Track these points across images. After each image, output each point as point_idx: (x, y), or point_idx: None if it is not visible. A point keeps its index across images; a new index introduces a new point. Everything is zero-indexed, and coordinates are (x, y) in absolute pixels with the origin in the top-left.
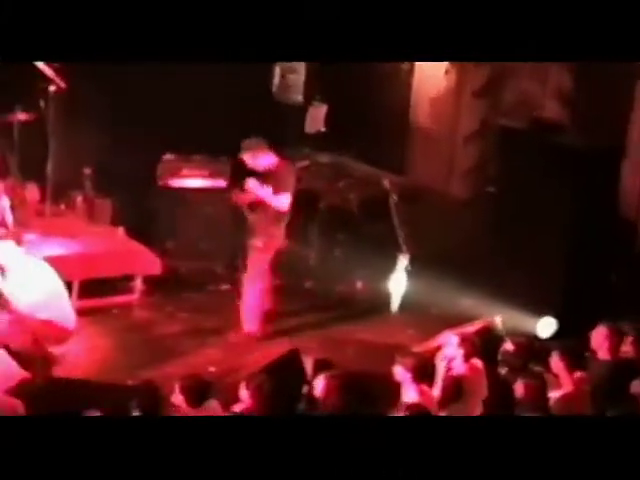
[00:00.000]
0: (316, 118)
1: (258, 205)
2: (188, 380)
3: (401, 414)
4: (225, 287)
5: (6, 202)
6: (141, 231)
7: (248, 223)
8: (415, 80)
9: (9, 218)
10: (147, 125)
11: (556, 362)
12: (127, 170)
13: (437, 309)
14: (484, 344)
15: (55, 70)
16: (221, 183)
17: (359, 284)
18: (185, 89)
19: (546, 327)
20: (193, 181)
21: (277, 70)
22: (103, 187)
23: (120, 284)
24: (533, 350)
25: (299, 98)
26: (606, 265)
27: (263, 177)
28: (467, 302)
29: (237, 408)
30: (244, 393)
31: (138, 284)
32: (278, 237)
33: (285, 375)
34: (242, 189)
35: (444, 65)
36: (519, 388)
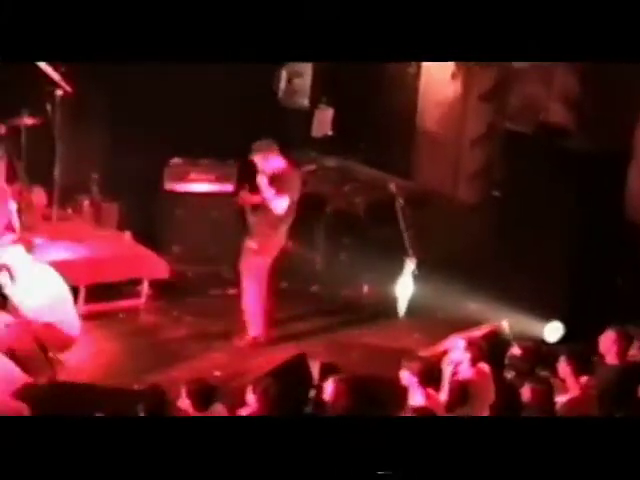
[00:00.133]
0: (322, 122)
1: (260, 207)
2: (194, 384)
3: None
4: (231, 291)
5: (13, 206)
6: (148, 235)
7: (248, 225)
8: (422, 84)
9: (16, 222)
10: (154, 129)
11: (563, 367)
12: (134, 174)
13: (444, 313)
14: (491, 348)
15: (62, 74)
16: (228, 187)
17: (365, 288)
18: (191, 93)
19: (553, 331)
20: (200, 185)
21: (283, 74)
22: (110, 191)
23: (126, 288)
24: (540, 354)
25: (305, 102)
26: (612, 269)
27: (269, 179)
28: (474, 306)
29: (243, 412)
30: (250, 397)
31: (145, 288)
32: (275, 240)
33: (291, 379)
34: (248, 190)
35: (451, 69)
36: (526, 392)
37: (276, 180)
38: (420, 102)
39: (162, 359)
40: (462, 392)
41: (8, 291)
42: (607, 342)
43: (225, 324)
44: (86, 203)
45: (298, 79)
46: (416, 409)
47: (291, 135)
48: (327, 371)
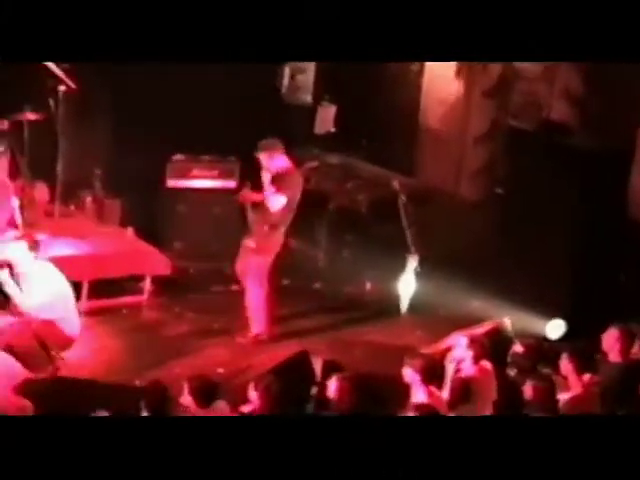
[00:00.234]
0: (325, 119)
1: (260, 205)
2: (196, 381)
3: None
4: (234, 288)
5: (16, 202)
6: (150, 232)
7: (247, 223)
8: (425, 81)
9: (19, 218)
10: (156, 126)
11: (565, 364)
12: (136, 171)
13: (446, 310)
14: (493, 346)
15: (65, 70)
16: (230, 183)
17: (368, 285)
18: (194, 90)
19: (555, 329)
20: (202, 182)
21: (286, 71)
22: (112, 187)
23: (129, 285)
24: (542, 352)
25: (308, 99)
26: (615, 266)
27: (271, 178)
28: (476, 303)
29: (245, 409)
30: (253, 394)
31: (147, 285)
32: (273, 240)
33: (294, 376)
34: (250, 188)
35: (454, 66)
36: (528, 390)
37: (278, 179)
38: (423, 99)
39: (164, 355)
40: (464, 389)
41: (8, 289)
42: (610, 340)
43: (227, 321)
44: (89, 199)
45: (301, 76)
46: (418, 406)
47: (294, 132)
48: (329, 368)
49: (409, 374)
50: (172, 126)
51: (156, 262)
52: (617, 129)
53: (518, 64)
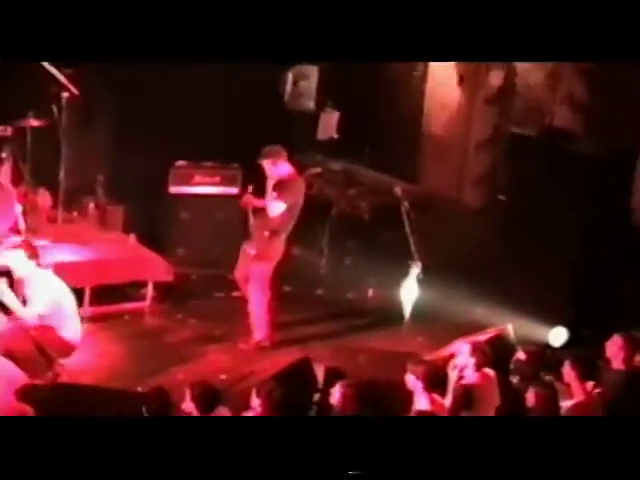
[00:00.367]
0: (328, 125)
1: (261, 211)
2: (199, 387)
3: None
4: (236, 294)
5: (18, 208)
6: (153, 238)
7: (249, 228)
8: (427, 87)
9: (21, 224)
10: (158, 132)
11: (568, 371)
12: (139, 177)
13: (448, 317)
14: (496, 353)
15: (68, 76)
16: (233, 190)
17: (370, 292)
18: (197, 97)
19: (558, 336)
20: (205, 188)
21: (289, 76)
22: (115, 194)
23: (131, 291)
24: (545, 359)
25: (311, 105)
26: (617, 273)
27: (274, 184)
28: (478, 310)
29: (248, 415)
30: (255, 400)
31: (149, 291)
32: (274, 246)
33: (296, 383)
34: (253, 193)
35: (456, 72)
36: (530, 397)
37: (280, 185)
38: (426, 105)
39: (166, 362)
40: (467, 396)
41: (6, 299)
42: (614, 348)
43: (229, 327)
44: (91, 205)
45: (304, 82)
46: (421, 413)
47: (296, 138)
48: (332, 375)
49: (411, 381)
50: (175, 132)
51: (158, 268)
52: (620, 135)
53: (521, 70)
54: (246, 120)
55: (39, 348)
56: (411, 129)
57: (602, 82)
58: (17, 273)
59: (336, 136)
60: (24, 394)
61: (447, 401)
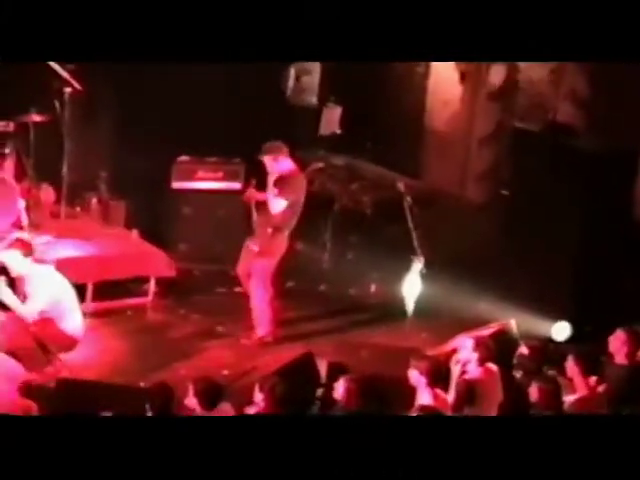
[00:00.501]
0: (330, 120)
1: (264, 207)
2: (201, 383)
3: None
4: (238, 289)
5: (22, 204)
6: (155, 233)
7: (252, 224)
8: (430, 83)
9: (24, 220)
10: (161, 127)
11: (571, 366)
12: (141, 172)
13: (451, 312)
14: (499, 348)
15: (70, 72)
16: (235, 185)
17: (373, 287)
18: (199, 92)
19: (560, 331)
20: (207, 183)
21: (292, 72)
22: (118, 189)
23: (134, 286)
24: (548, 354)
25: (314, 100)
26: (620, 268)
27: (275, 180)
28: (481, 305)
29: (250, 411)
30: (258, 396)
31: (152, 286)
32: (277, 243)
33: (299, 378)
34: (256, 188)
35: (459, 68)
36: (534, 392)
37: (281, 182)
38: (428, 101)
39: (169, 357)
40: (470, 392)
41: (6, 298)
42: (617, 343)
43: (232, 322)
44: (94, 201)
45: (306, 77)
46: (424, 408)
47: (299, 133)
48: (334, 370)
49: (414, 376)
50: (177, 128)
51: (161, 264)
52: (623, 131)
53: (523, 66)
54: (249, 115)
55: (40, 344)
56: (414, 124)
57: (605, 78)
58: (15, 272)
59: (338, 131)
60: (28, 390)
61: (450, 396)
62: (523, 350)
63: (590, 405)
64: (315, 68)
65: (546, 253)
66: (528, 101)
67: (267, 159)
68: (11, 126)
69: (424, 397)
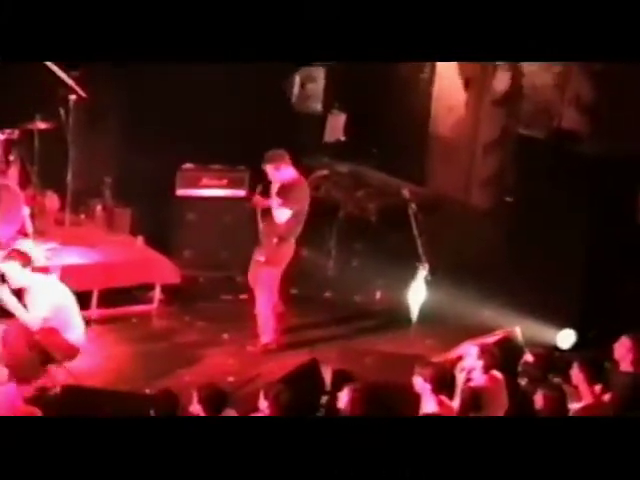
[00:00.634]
0: (335, 127)
1: (269, 214)
2: (206, 390)
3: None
4: (243, 297)
5: (26, 211)
6: (160, 240)
7: (258, 234)
8: (435, 89)
9: (29, 227)
10: (166, 134)
11: (576, 373)
12: (146, 179)
13: (456, 320)
14: (504, 355)
15: (75, 79)
16: (240, 192)
17: (378, 294)
18: (204, 99)
19: (566, 338)
20: (212, 190)
21: (297, 79)
22: (122, 196)
23: (139, 293)
24: (553, 361)
25: (318, 107)
26: (625, 275)
27: (277, 189)
28: (486, 313)
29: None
30: (262, 403)
31: (157, 293)
32: (282, 251)
33: (304, 385)
34: (262, 193)
35: (464, 74)
36: (539, 399)
37: (283, 191)
38: (433, 107)
39: (174, 364)
40: (475, 399)
41: (9, 304)
42: (622, 349)
43: (237, 329)
44: (99, 208)
45: (311, 84)
46: (428, 416)
47: (303, 140)
48: (339, 377)
49: (419, 383)
50: (182, 135)
51: (166, 271)
52: (627, 137)
53: (528, 72)
54: (253, 123)
55: (41, 353)
56: (418, 131)
57: (610, 83)
58: (14, 283)
59: (343, 138)
60: (32, 397)
61: (455, 403)
62: (528, 358)
63: (595, 413)
64: (320, 75)
65: (551, 260)
66: (533, 107)
67: (269, 168)
68: (16, 133)
69: (429, 404)
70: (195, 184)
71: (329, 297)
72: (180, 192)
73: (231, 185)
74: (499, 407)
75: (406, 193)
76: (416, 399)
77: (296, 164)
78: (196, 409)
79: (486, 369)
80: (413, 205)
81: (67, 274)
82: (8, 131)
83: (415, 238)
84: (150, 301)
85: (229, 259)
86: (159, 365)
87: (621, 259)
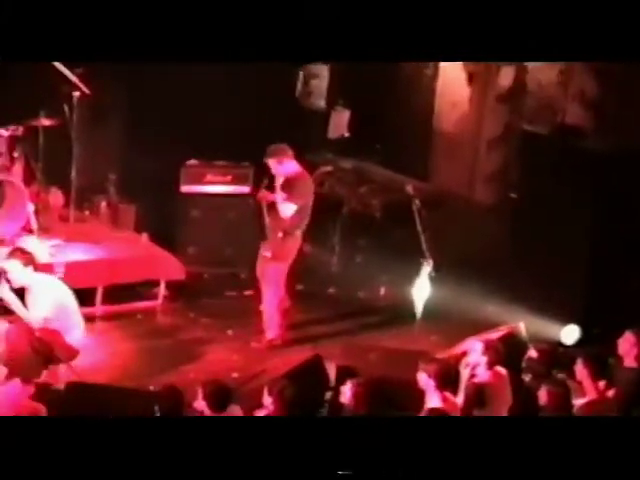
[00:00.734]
0: (339, 123)
1: (274, 209)
2: (211, 386)
3: None
4: (248, 293)
5: (31, 207)
6: (164, 237)
7: (264, 229)
8: (438, 85)
9: (34, 223)
10: (170, 131)
11: (580, 369)
12: (151, 176)
13: (460, 315)
14: (508, 351)
15: (79, 75)
16: (244, 189)
17: (382, 290)
18: (208, 95)
19: (570, 334)
20: (216, 187)
21: (300, 76)
22: (127, 193)
23: (143, 290)
24: (557, 357)
25: (322, 103)
26: (629, 271)
27: (281, 184)
28: (490, 308)
29: (259, 414)
30: (267, 399)
31: (161, 290)
32: (289, 246)
33: (308, 381)
34: (267, 188)
35: (467, 70)
36: (543, 395)
37: (287, 185)
38: (437, 103)
39: (178, 360)
40: (479, 395)
41: (10, 302)
42: (626, 345)
43: (241, 325)
44: (103, 204)
45: (315, 80)
46: (433, 412)
47: (307, 136)
48: (343, 373)
49: (423, 379)
50: (186, 131)
51: (170, 267)
52: (631, 133)
53: (532, 68)
54: (257, 119)
55: (43, 352)
56: (422, 127)
57: (613, 79)
58: (16, 282)
59: (347, 134)
60: (37, 393)
61: (459, 399)
62: (532, 353)
63: (600, 408)
64: (323, 71)
65: (555, 255)
66: (537, 103)
67: (272, 162)
68: (20, 130)
69: (433, 400)
70: (199, 180)
71: (333, 293)
72: (184, 188)
73: (235, 181)
74: (503, 403)
75: (410, 189)
76: (420, 395)
77: (300, 160)
78: (201, 405)
79: (490, 365)
80: (417, 201)
81: (72, 271)
82: (12, 128)
83: (419, 234)
84: (155, 297)
85: (233, 255)
86: (164, 361)
87: (625, 255)
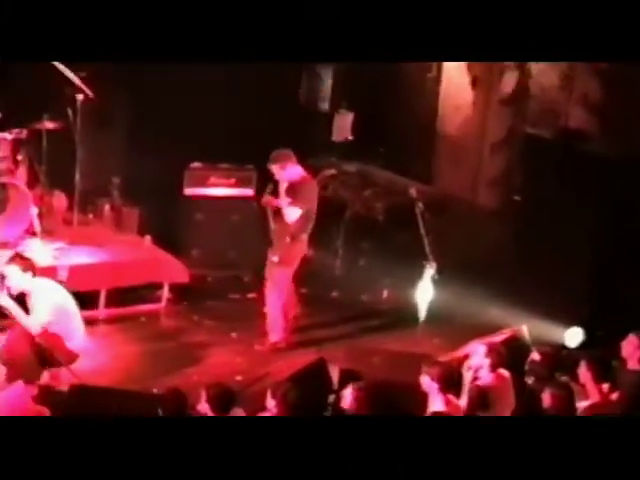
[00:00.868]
0: (342, 126)
1: (280, 214)
2: (214, 389)
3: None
4: (251, 296)
5: (34, 210)
6: (168, 239)
7: (270, 235)
8: (442, 88)
9: (37, 227)
10: (173, 134)
11: (583, 372)
12: (154, 179)
13: (463, 318)
14: (511, 354)
15: (83, 78)
16: (247, 191)
17: (385, 293)
18: (211, 99)
19: (573, 337)
20: (220, 190)
21: (304, 78)
22: (130, 196)
23: (147, 292)
24: (560, 360)
25: (325, 106)
26: (633, 273)
27: (285, 189)
28: (493, 311)
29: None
30: (270, 402)
31: (165, 292)
32: (295, 250)
33: (311, 384)
34: (272, 192)
35: (471, 73)
36: (546, 398)
37: (292, 190)
38: (440, 107)
39: (182, 363)
40: (482, 398)
41: (9, 308)
42: (630, 347)
43: (245, 328)
44: (107, 207)
45: (318, 83)
46: (436, 415)
47: (311, 139)
48: (347, 376)
49: (427, 382)
50: (189, 134)
51: (174, 270)
52: (635, 136)
53: (535, 71)
54: (261, 121)
55: (42, 356)
56: (425, 130)
57: (616, 83)
58: (15, 288)
59: (350, 137)
60: (41, 396)
61: (462, 402)
62: (535, 356)
63: (603, 411)
64: (327, 74)
65: (558, 258)
66: (540, 107)
67: (275, 168)
68: (24, 133)
69: (436, 403)
70: (203, 183)
71: (336, 296)
72: (188, 191)
73: (239, 184)
74: (506, 406)
75: (413, 192)
76: (423, 398)
77: (303, 163)
78: (204, 408)
79: (493, 368)
80: (420, 204)
81: (75, 274)
82: (16, 131)
83: (422, 237)
84: (158, 300)
85: (237, 258)
86: (167, 364)
87: (628, 257)
